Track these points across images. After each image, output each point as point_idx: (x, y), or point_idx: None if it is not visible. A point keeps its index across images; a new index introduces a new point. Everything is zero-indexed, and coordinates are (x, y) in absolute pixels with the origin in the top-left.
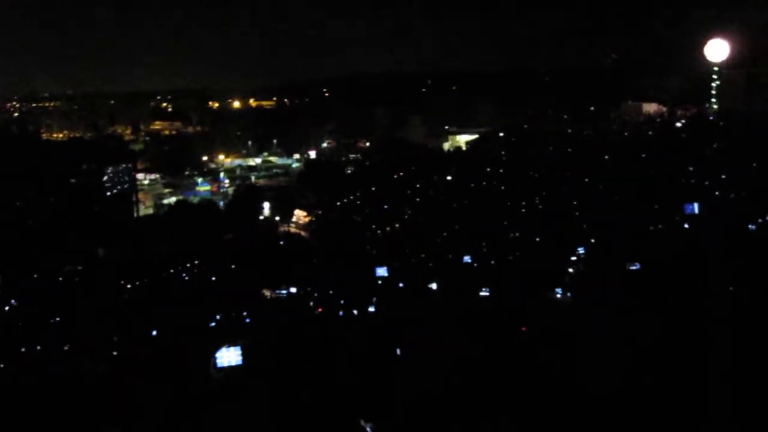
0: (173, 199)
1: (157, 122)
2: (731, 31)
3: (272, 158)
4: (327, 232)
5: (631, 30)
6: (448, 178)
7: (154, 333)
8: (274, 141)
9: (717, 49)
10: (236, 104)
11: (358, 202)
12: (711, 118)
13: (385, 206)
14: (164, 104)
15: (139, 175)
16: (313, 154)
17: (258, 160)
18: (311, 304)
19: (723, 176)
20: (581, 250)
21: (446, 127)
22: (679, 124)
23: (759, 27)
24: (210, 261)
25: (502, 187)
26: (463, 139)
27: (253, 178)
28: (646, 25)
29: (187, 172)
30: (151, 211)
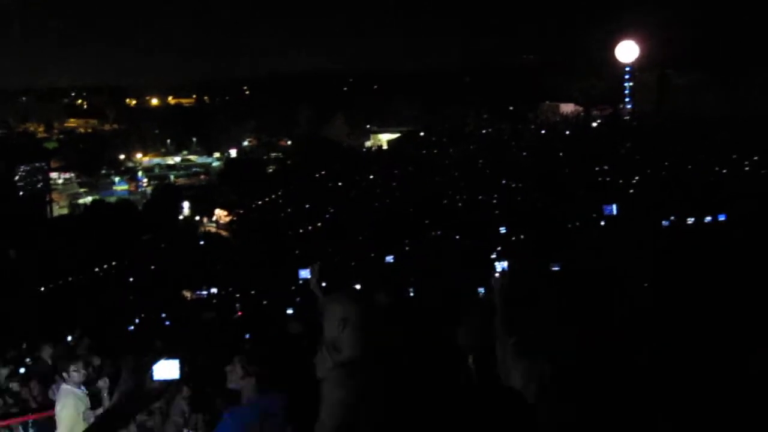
0: (89, 199)
1: (71, 120)
2: (642, 32)
3: (192, 157)
4: (248, 232)
5: (549, 31)
6: (371, 177)
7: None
8: (194, 139)
9: (627, 51)
10: (154, 101)
11: (281, 201)
12: (626, 117)
13: (307, 205)
14: (79, 101)
15: (53, 174)
16: (233, 152)
17: (177, 159)
18: (237, 305)
19: (637, 176)
20: (500, 249)
21: (368, 126)
22: (594, 124)
23: (669, 29)
24: (128, 262)
25: (424, 187)
26: (385, 138)
27: (172, 177)
28: (564, 25)
29: (103, 171)
30: (65, 211)
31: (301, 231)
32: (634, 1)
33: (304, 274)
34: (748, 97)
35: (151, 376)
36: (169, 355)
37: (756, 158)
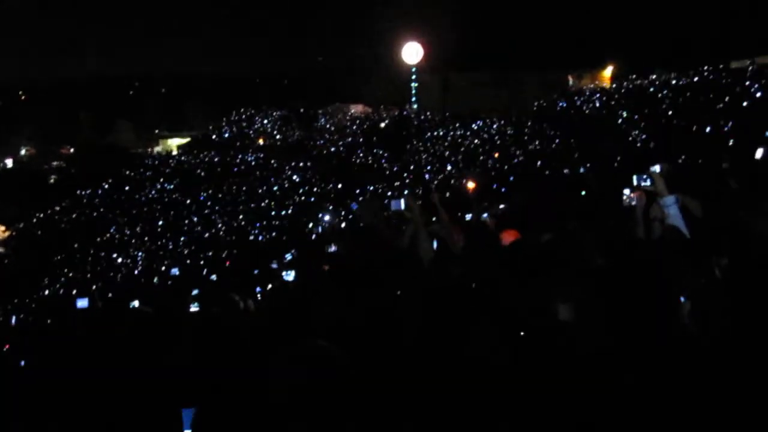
0: None
1: None
2: (426, 35)
3: None
4: (30, 247)
5: (339, 34)
6: (155, 189)
7: None
8: None
9: (412, 53)
10: None
11: (70, 215)
12: (412, 116)
13: (95, 213)
14: None
15: None
16: (10, 162)
17: None
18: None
19: (425, 174)
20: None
21: (156, 131)
22: (383, 124)
23: (451, 33)
24: None
25: (219, 195)
26: (174, 143)
27: None
28: (352, 29)
29: None
30: None
31: (85, 244)
32: (417, 6)
33: (82, 303)
34: (519, 94)
35: None
36: None
37: (530, 148)
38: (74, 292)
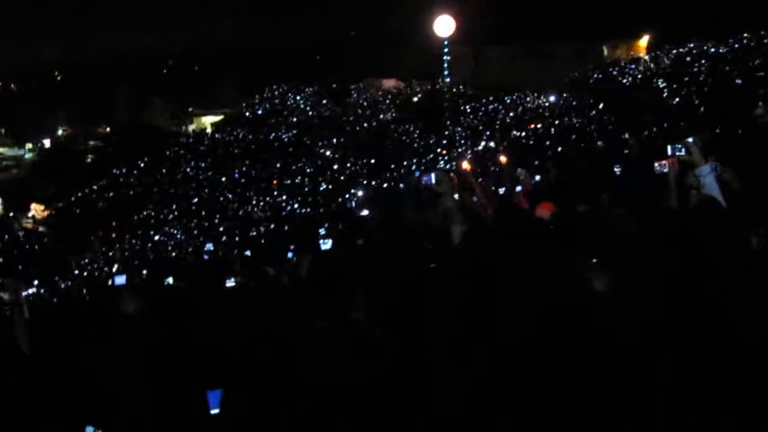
0: None
1: None
2: (459, 7)
3: (0, 149)
4: (68, 226)
5: (368, 6)
6: (190, 168)
7: None
8: (2, 130)
9: (444, 25)
10: None
11: (107, 194)
12: (445, 90)
13: (131, 192)
14: None
15: None
16: (47, 142)
17: None
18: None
19: (458, 148)
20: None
21: (190, 109)
22: (415, 99)
23: (483, 5)
24: None
25: (253, 172)
26: (208, 121)
27: None
28: (383, 1)
29: None
30: None
31: (122, 222)
32: None
33: (120, 280)
34: (556, 66)
35: None
36: None
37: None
38: (113, 269)
